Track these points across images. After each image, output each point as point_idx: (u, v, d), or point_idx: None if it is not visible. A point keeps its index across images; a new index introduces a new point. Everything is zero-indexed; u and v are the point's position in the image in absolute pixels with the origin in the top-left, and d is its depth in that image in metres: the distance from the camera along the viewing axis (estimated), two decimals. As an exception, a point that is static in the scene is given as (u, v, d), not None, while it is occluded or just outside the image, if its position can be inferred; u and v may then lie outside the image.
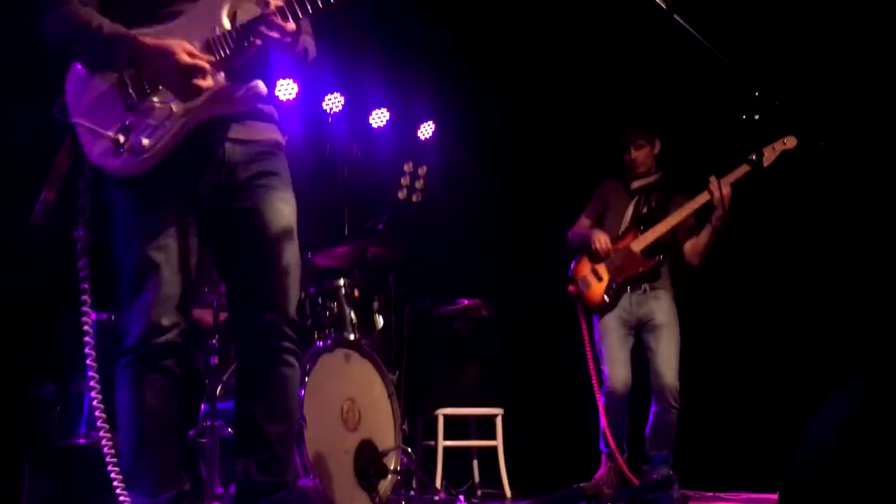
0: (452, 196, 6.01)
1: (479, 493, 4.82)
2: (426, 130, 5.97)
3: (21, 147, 4.04)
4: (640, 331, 4.18)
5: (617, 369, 4.10)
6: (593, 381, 4.18)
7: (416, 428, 4.67)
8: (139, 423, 2.15)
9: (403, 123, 5.91)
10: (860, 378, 1.57)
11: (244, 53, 2.14)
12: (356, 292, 3.97)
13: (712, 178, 3.87)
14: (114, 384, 2.24)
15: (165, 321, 2.16)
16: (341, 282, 3.92)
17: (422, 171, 6.13)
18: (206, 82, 2.10)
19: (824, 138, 3.46)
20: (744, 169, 3.88)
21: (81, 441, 3.44)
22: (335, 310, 3.84)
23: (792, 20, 4.53)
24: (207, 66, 2.10)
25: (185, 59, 2.07)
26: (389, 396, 3.72)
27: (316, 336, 3.74)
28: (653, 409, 4.10)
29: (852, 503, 1.46)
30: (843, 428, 1.54)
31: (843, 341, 4.17)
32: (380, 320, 4.12)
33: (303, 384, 3.32)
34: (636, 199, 4.29)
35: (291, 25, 2.11)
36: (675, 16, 2.53)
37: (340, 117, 5.41)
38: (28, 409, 3.52)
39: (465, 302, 5.08)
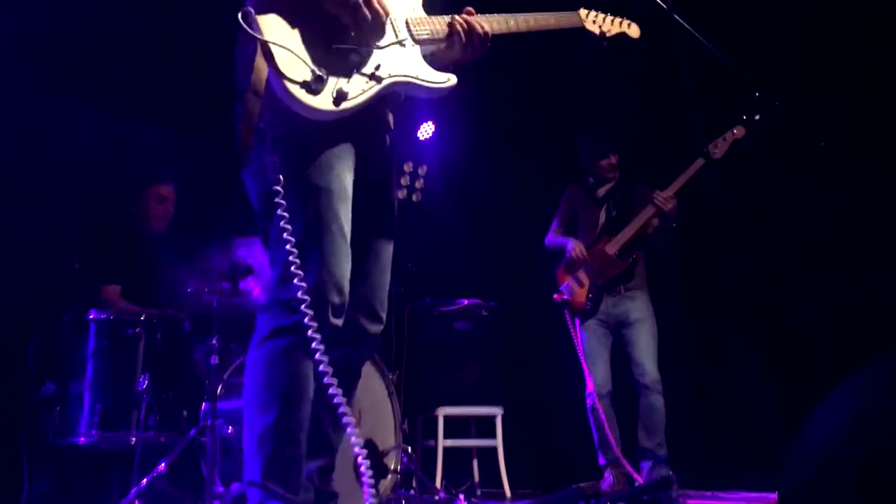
0: (452, 196, 6.01)
1: (479, 492, 4.82)
2: (426, 130, 5.98)
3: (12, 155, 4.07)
4: (618, 329, 4.35)
5: (597, 370, 4.30)
6: (588, 385, 4.30)
7: (416, 427, 4.67)
8: (297, 413, 1.92)
9: (403, 124, 5.91)
10: (859, 377, 1.57)
11: (435, 43, 2.18)
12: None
13: (656, 194, 4.12)
14: (262, 363, 1.96)
15: (342, 298, 1.97)
16: (341, 282, 3.90)
17: (422, 171, 6.13)
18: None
19: (823, 138, 3.47)
20: (698, 164, 4.08)
21: (81, 440, 3.44)
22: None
23: (792, 20, 4.53)
24: (381, 15, 2.06)
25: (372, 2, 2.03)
26: (389, 396, 3.72)
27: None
28: (639, 399, 4.23)
29: (852, 503, 1.46)
30: (843, 427, 1.54)
31: (842, 341, 4.17)
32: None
33: (303, 384, 3.31)
34: (605, 205, 4.49)
35: (487, 28, 2.19)
36: (675, 16, 2.54)
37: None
38: (28, 408, 3.52)
39: (465, 302, 5.09)
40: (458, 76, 2.23)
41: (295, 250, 1.85)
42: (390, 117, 2.23)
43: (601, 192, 4.52)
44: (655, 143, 5.00)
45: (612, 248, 4.28)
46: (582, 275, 4.37)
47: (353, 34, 2.04)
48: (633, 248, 4.30)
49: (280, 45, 1.92)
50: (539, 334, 5.55)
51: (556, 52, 5.49)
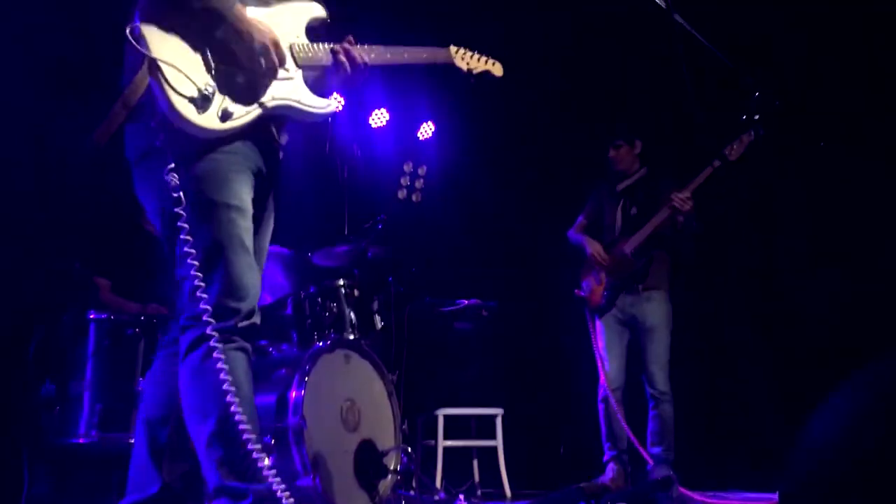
0: (452, 196, 6.02)
1: (479, 492, 4.81)
2: (426, 131, 5.98)
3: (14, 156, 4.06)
4: (634, 330, 4.37)
5: (611, 365, 4.33)
6: (601, 377, 4.36)
7: (416, 428, 4.67)
8: (248, 408, 1.99)
9: (403, 124, 5.92)
10: (859, 377, 1.57)
11: (318, 69, 2.28)
12: (356, 292, 3.97)
13: (673, 194, 4.10)
14: (196, 366, 2.02)
15: (250, 303, 2.08)
16: (341, 282, 3.92)
17: (422, 171, 6.14)
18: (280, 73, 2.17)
19: (824, 138, 3.47)
20: (715, 165, 4.08)
21: (81, 440, 3.44)
22: (335, 310, 3.84)
23: (792, 19, 4.53)
24: (280, 61, 2.16)
25: (270, 56, 2.12)
26: (389, 396, 3.71)
27: (316, 336, 3.74)
28: (649, 408, 4.27)
29: (852, 503, 1.46)
30: (843, 427, 1.54)
31: (843, 341, 4.17)
32: (380, 320, 4.12)
33: (303, 384, 3.32)
34: (622, 201, 4.47)
35: (366, 59, 2.31)
36: (676, 15, 2.54)
37: (341, 117, 5.42)
38: (28, 409, 3.52)
39: (465, 302, 5.08)
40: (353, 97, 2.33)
41: (199, 272, 1.97)
42: (282, 136, 2.32)
43: (620, 186, 4.52)
44: (654, 144, 4.99)
45: (628, 248, 4.30)
46: (601, 272, 4.41)
47: (238, 57, 2.11)
48: (650, 248, 4.30)
49: (168, 63, 1.98)
50: (539, 334, 5.56)
51: (556, 52, 5.50)
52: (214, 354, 1.95)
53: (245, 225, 2.10)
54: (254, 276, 2.10)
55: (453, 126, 6.00)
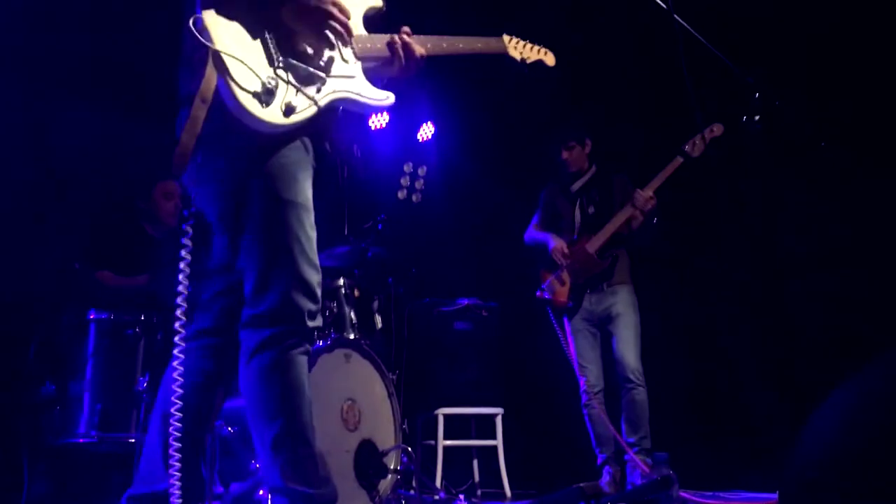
0: (452, 196, 6.02)
1: (479, 492, 4.82)
2: (426, 131, 5.98)
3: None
4: (603, 326, 4.35)
5: (589, 369, 4.31)
6: (580, 382, 4.34)
7: (416, 427, 4.67)
8: (301, 415, 2.02)
9: (403, 125, 5.92)
10: (860, 376, 1.57)
11: (376, 59, 2.24)
12: (356, 292, 3.97)
13: (636, 193, 4.12)
14: (277, 368, 2.01)
15: (317, 304, 2.08)
16: (341, 282, 3.92)
17: (422, 171, 6.15)
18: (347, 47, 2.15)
19: (823, 138, 3.46)
20: (676, 162, 4.11)
21: (81, 440, 3.44)
22: (335, 310, 3.84)
23: (792, 19, 4.53)
24: (351, 31, 2.13)
25: (339, 16, 2.08)
26: (389, 396, 3.72)
27: (316, 336, 3.74)
28: (621, 393, 4.22)
29: (852, 503, 1.46)
30: (843, 427, 1.54)
31: (843, 341, 4.17)
32: (380, 320, 4.12)
33: (303, 384, 3.32)
34: (579, 201, 4.46)
35: (422, 50, 2.26)
36: (676, 16, 2.54)
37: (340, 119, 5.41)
38: (28, 408, 3.52)
39: (465, 302, 5.08)
40: (412, 87, 2.29)
41: (267, 268, 1.99)
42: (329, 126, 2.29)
43: (575, 186, 4.50)
44: (655, 144, 5.00)
45: (591, 247, 4.27)
46: (564, 273, 4.36)
47: (300, 49, 2.07)
48: (613, 247, 4.29)
49: (232, 56, 1.92)
50: (539, 334, 5.54)
51: (555, 52, 5.49)
52: (285, 360, 1.98)
53: (310, 223, 2.09)
54: (317, 277, 2.08)
55: (453, 126, 6.00)
